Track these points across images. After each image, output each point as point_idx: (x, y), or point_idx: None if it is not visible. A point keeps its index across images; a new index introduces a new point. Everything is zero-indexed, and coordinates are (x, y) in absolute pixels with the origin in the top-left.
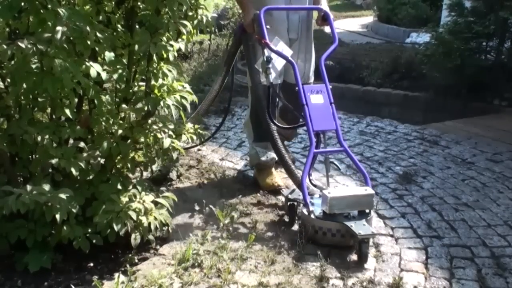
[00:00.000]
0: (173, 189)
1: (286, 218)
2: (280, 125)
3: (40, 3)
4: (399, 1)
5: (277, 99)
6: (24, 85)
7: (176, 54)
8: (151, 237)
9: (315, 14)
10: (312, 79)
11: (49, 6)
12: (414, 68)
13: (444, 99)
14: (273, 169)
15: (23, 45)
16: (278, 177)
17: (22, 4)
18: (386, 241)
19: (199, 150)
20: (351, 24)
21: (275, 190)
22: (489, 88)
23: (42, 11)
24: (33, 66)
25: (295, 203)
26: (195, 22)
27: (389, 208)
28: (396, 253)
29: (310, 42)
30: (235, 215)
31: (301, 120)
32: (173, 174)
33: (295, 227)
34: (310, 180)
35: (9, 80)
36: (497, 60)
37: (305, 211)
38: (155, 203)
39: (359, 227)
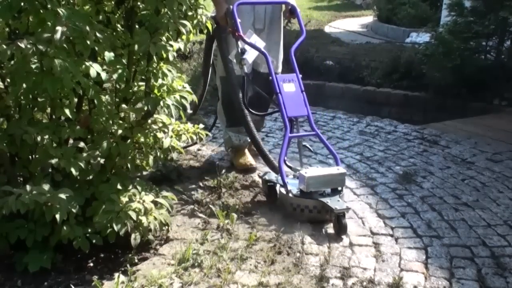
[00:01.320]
0: (173, 189)
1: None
2: (254, 112)
3: (40, 3)
4: (399, 1)
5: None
6: (24, 85)
7: (175, 54)
8: (151, 237)
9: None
10: (280, 69)
11: (49, 6)
12: (414, 68)
13: (444, 99)
14: (246, 150)
15: (22, 45)
16: (251, 157)
17: (22, 4)
18: (386, 241)
19: (199, 150)
20: (351, 24)
21: (248, 169)
22: (489, 88)
23: (41, 11)
24: (33, 66)
25: (273, 184)
26: (195, 22)
27: (389, 208)
28: (396, 253)
29: (278, 33)
30: (235, 215)
31: (270, 108)
32: (173, 174)
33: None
34: (285, 162)
35: (9, 80)
36: (497, 60)
37: (283, 190)
38: (155, 203)
39: (334, 203)
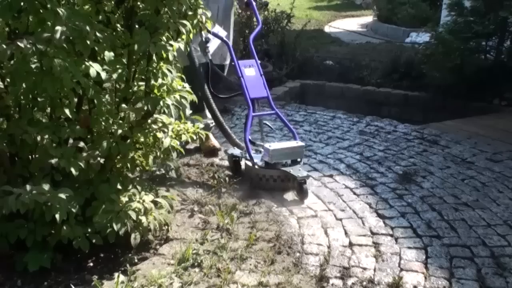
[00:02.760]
0: (173, 189)
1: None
2: (219, 95)
3: (40, 3)
4: (398, 1)
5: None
6: (24, 85)
7: (175, 53)
8: (150, 237)
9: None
10: (228, 60)
11: (49, 5)
12: (414, 68)
13: (444, 98)
14: (210, 134)
15: (22, 45)
16: (215, 139)
17: (22, 3)
18: (386, 240)
19: (198, 149)
20: (350, 24)
21: (213, 150)
22: (489, 87)
23: (41, 11)
24: (33, 66)
25: (238, 158)
26: (195, 21)
27: (389, 207)
28: (395, 253)
29: (229, 29)
30: (235, 215)
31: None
32: (173, 174)
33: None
34: (249, 139)
35: (8, 80)
36: (496, 59)
37: (249, 163)
38: (155, 203)
39: (296, 171)
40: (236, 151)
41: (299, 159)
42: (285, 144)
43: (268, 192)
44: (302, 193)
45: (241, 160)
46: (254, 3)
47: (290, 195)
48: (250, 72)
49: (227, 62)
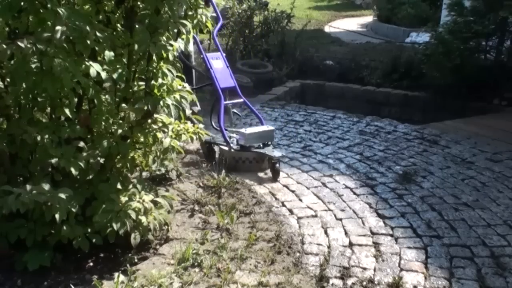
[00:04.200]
0: (173, 189)
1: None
2: (191, 86)
3: (40, 2)
4: (398, 1)
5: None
6: (24, 85)
7: (175, 53)
8: (150, 236)
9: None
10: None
11: (49, 5)
12: (414, 68)
13: (443, 98)
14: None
15: (22, 45)
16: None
17: (22, 3)
18: (385, 240)
19: (198, 149)
20: (350, 24)
21: None
22: (488, 87)
23: (41, 11)
24: (33, 66)
25: (212, 144)
26: (195, 21)
27: (389, 207)
28: (395, 253)
29: None
30: (235, 215)
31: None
32: (173, 174)
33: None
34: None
35: (8, 79)
36: (496, 59)
37: (225, 147)
38: (155, 203)
39: (271, 152)
40: (207, 137)
41: (269, 142)
42: (258, 129)
43: (242, 174)
44: (274, 172)
45: (213, 145)
46: (213, 0)
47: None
48: (218, 64)
49: (191, 49)
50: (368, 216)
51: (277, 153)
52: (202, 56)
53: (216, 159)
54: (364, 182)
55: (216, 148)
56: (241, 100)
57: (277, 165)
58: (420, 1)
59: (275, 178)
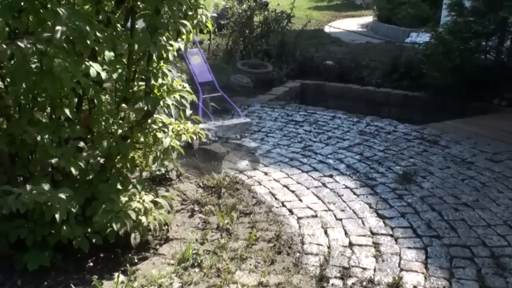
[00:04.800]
0: (173, 189)
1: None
2: None
3: (40, 2)
4: (398, 1)
5: None
6: (24, 85)
7: (176, 53)
8: (150, 237)
9: None
10: None
11: (49, 5)
12: (414, 68)
13: (443, 98)
14: None
15: (22, 45)
16: None
17: (22, 3)
18: (385, 240)
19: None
20: (351, 24)
21: None
22: (488, 87)
23: (41, 11)
24: (33, 66)
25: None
26: (195, 21)
27: (389, 207)
28: (395, 253)
29: None
30: (235, 215)
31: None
32: (173, 174)
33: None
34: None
35: (8, 80)
36: (496, 59)
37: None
38: (155, 203)
39: (248, 144)
40: None
41: (247, 134)
42: (234, 121)
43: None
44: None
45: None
46: None
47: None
48: (196, 60)
49: None
50: (368, 216)
51: (252, 144)
52: (180, 51)
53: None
54: (364, 182)
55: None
56: (219, 93)
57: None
58: (420, 1)
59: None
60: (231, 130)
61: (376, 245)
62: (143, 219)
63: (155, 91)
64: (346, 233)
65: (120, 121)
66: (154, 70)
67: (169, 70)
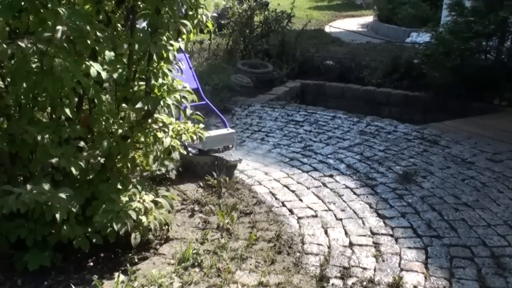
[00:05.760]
0: (173, 189)
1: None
2: None
3: (40, 2)
4: (399, 1)
5: None
6: (24, 85)
7: (176, 53)
8: (151, 236)
9: None
10: None
11: (49, 5)
12: (414, 68)
13: (444, 98)
14: None
15: (23, 45)
16: None
17: (22, 3)
18: (386, 240)
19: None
20: (351, 24)
21: None
22: (489, 87)
23: (42, 11)
24: (33, 66)
25: None
26: (195, 21)
27: (389, 207)
28: (396, 253)
29: None
30: (235, 215)
31: None
32: (173, 174)
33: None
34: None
35: (9, 79)
36: (497, 59)
37: (184, 151)
38: (155, 203)
39: (228, 156)
40: None
41: (230, 145)
42: (217, 132)
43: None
44: (230, 175)
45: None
46: None
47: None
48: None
49: None
50: (368, 216)
51: (234, 157)
52: None
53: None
54: (364, 182)
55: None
56: (203, 102)
57: (234, 170)
58: (421, 1)
59: (230, 177)
60: (215, 142)
61: (376, 245)
62: (144, 219)
63: (156, 90)
64: (346, 233)
65: (121, 121)
66: (155, 70)
67: (170, 70)
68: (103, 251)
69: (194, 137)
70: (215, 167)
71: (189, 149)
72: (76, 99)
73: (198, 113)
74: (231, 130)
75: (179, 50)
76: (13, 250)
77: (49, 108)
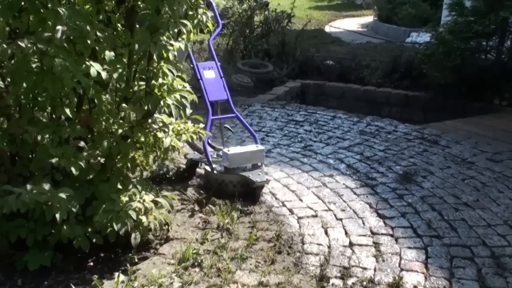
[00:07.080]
0: (173, 189)
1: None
2: None
3: (40, 2)
4: (399, 1)
5: None
6: (24, 85)
7: (176, 53)
8: (151, 236)
9: None
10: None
11: (49, 5)
12: (414, 68)
13: (444, 98)
14: None
15: (23, 45)
16: None
17: (22, 3)
18: (386, 240)
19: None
20: (351, 24)
21: None
22: (489, 87)
23: (42, 11)
24: (33, 66)
25: (196, 163)
26: (195, 21)
27: (389, 207)
28: (396, 253)
29: None
30: (235, 214)
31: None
32: (173, 174)
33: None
34: (209, 143)
35: (9, 79)
36: (497, 59)
37: (208, 168)
38: (155, 203)
39: (255, 176)
40: (196, 156)
41: (259, 163)
42: (244, 148)
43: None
44: (254, 197)
45: (200, 165)
46: (214, 4)
47: None
48: (210, 74)
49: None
50: (368, 216)
51: (261, 177)
52: (192, 65)
53: (198, 178)
54: (365, 182)
55: (201, 168)
56: (233, 115)
57: (259, 191)
58: (421, 1)
59: (253, 202)
60: (242, 159)
61: (376, 245)
62: (144, 219)
63: (156, 90)
64: (346, 233)
65: (121, 121)
66: (155, 70)
67: (170, 70)
68: (103, 251)
69: (194, 137)
70: (241, 187)
71: (214, 166)
72: (76, 99)
73: (228, 126)
74: (260, 147)
75: (212, 57)
76: (13, 250)
77: (49, 108)
